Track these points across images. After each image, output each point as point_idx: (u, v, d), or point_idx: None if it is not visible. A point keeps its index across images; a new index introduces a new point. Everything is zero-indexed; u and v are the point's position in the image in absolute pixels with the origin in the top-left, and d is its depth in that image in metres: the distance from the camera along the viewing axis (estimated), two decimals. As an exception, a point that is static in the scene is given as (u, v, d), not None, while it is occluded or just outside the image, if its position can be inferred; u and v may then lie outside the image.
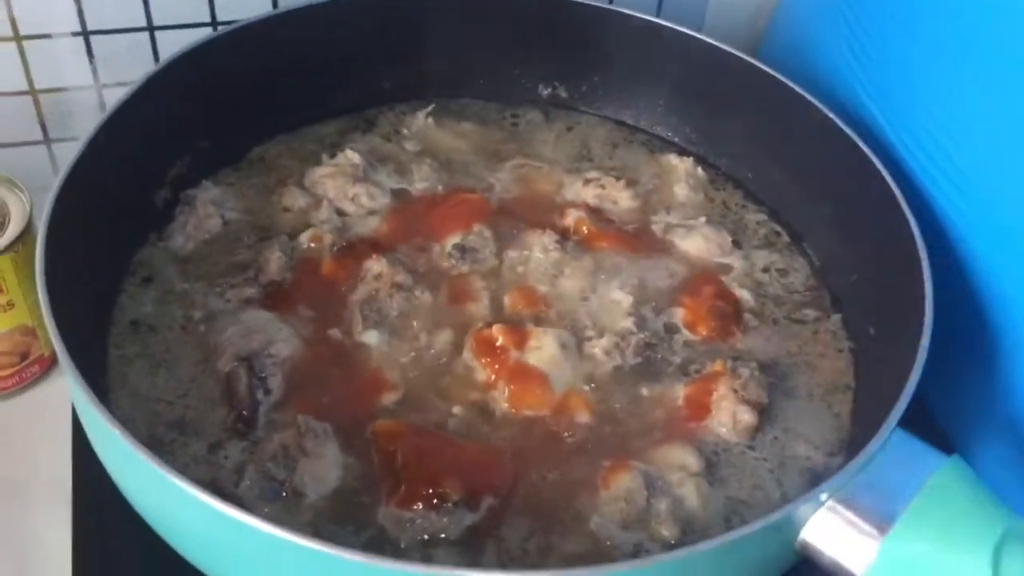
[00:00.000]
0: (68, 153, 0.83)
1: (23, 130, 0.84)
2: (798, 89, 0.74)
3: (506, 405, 0.63)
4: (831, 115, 0.71)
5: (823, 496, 0.51)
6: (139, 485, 0.53)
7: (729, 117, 0.81)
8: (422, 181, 0.77)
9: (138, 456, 0.47)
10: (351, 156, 0.77)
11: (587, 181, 0.78)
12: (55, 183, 0.60)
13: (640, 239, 0.75)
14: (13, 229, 0.69)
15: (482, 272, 0.71)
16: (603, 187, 0.78)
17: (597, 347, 0.66)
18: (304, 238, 0.72)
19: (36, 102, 0.83)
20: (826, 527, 0.51)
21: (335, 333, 0.66)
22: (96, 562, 0.62)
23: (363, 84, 0.82)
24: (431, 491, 0.56)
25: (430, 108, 0.83)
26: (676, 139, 0.84)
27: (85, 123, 0.84)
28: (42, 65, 0.81)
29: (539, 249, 0.72)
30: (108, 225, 0.66)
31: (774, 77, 0.75)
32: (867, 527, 0.50)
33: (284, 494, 0.57)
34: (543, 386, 0.64)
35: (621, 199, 0.78)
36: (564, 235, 0.74)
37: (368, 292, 0.68)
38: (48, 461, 0.70)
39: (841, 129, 0.70)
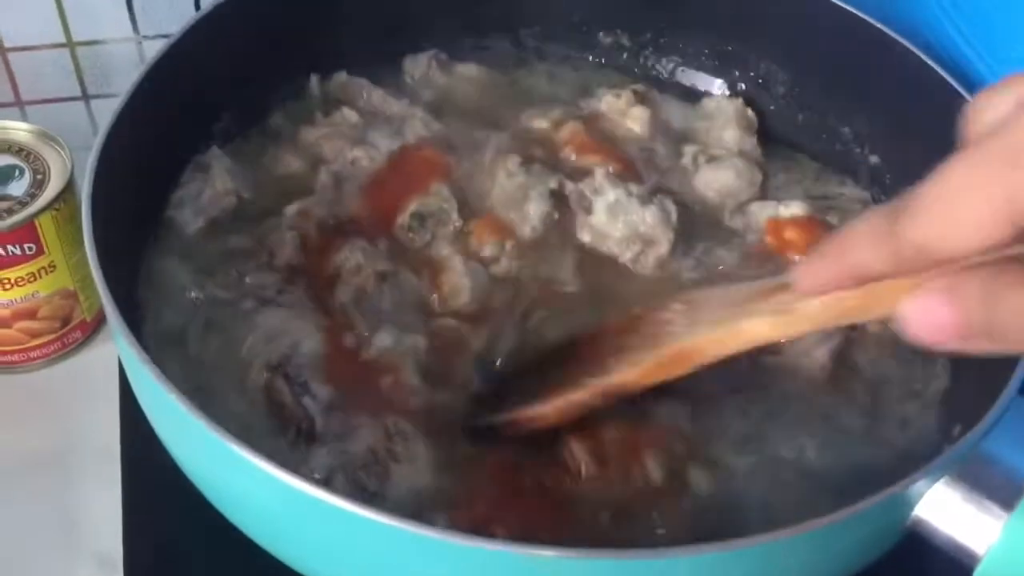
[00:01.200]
0: (107, 110, 0.81)
1: (60, 86, 0.81)
2: (880, 26, 0.68)
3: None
4: (924, 57, 0.65)
5: (940, 470, 0.46)
6: (195, 454, 0.49)
7: (795, 59, 0.75)
8: (415, 137, 0.70)
9: (196, 421, 0.44)
10: (348, 115, 0.71)
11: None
12: (100, 132, 0.56)
13: (644, 164, 0.70)
14: (54, 186, 0.66)
15: (448, 237, 0.64)
16: (618, 96, 0.73)
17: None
18: (291, 213, 0.63)
19: (74, 56, 0.80)
20: (943, 503, 0.46)
21: (349, 338, 0.59)
22: (148, 529, 0.60)
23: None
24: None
25: (431, 52, 0.77)
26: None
27: (124, 78, 0.81)
28: (80, 16, 0.77)
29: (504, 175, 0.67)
30: (150, 181, 0.63)
31: (852, 14, 0.69)
32: (990, 503, 0.46)
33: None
34: None
35: (632, 115, 0.72)
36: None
37: (354, 290, 0.61)
38: (94, 429, 0.67)
39: (935, 72, 0.64)
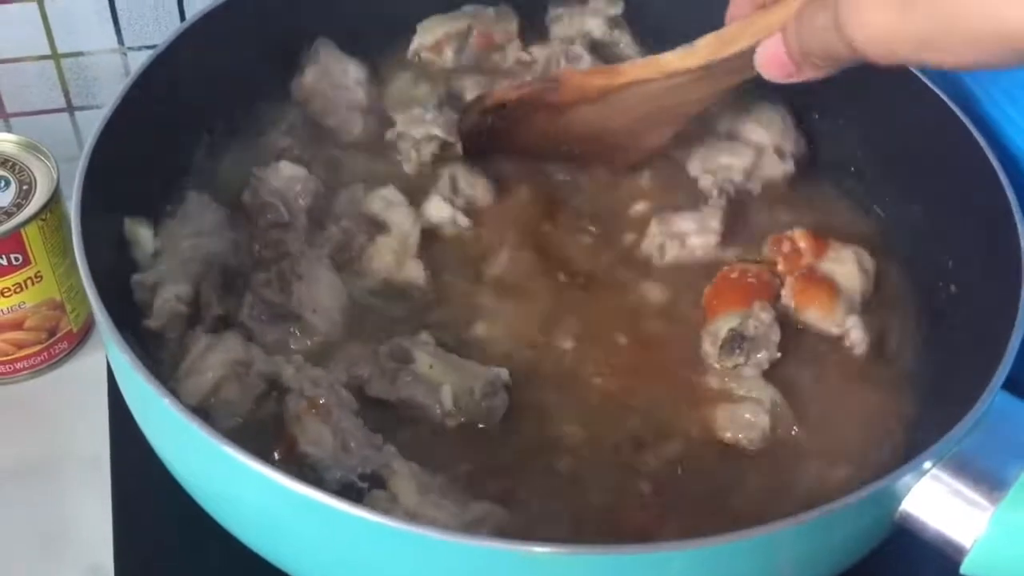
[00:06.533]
0: (91, 121, 0.81)
1: (45, 97, 0.81)
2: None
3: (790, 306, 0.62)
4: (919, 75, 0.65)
5: (927, 464, 0.47)
6: (188, 459, 0.49)
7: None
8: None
9: (192, 427, 0.44)
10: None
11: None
12: (88, 141, 0.56)
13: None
14: (40, 197, 0.66)
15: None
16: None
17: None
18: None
19: (59, 67, 0.80)
20: (930, 497, 0.47)
21: None
22: (138, 539, 0.60)
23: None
24: None
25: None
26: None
27: (109, 89, 0.81)
28: (64, 28, 0.78)
29: None
30: (140, 187, 0.62)
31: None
32: (976, 496, 0.46)
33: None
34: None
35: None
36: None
37: None
38: (81, 440, 0.67)
39: (930, 90, 0.64)
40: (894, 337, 0.63)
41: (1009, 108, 0.64)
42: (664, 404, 0.58)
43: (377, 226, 0.63)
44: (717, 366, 0.59)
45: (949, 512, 0.47)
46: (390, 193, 0.65)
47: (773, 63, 0.52)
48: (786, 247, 0.64)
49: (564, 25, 0.77)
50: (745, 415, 0.57)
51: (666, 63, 0.61)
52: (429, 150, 0.68)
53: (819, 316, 0.62)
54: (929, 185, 0.66)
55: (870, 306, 0.63)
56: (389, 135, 0.69)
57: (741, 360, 0.59)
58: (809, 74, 0.51)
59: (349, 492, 0.51)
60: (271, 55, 0.71)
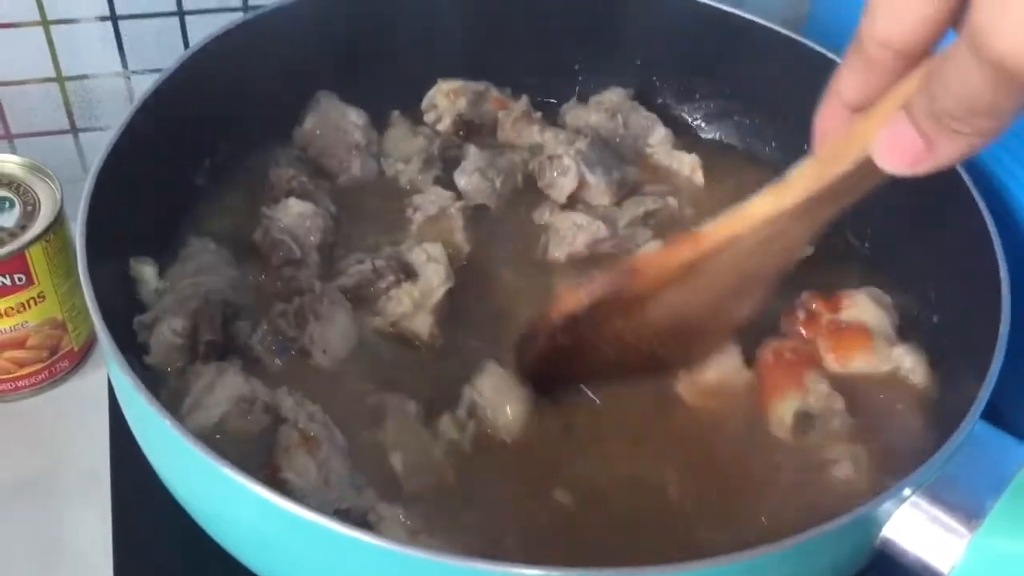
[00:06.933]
0: (95, 143, 0.82)
1: (50, 119, 0.82)
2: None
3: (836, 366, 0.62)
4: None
5: (906, 491, 0.48)
6: (189, 480, 0.51)
7: (766, 97, 0.77)
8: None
9: (193, 450, 0.45)
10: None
11: None
12: (95, 164, 0.58)
13: None
14: (44, 218, 0.67)
15: None
16: None
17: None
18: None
19: (63, 90, 0.81)
20: (910, 523, 0.48)
21: None
22: (138, 556, 0.60)
23: (396, 69, 0.78)
24: None
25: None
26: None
27: (112, 112, 0.83)
28: (69, 51, 0.79)
29: None
30: (145, 209, 0.64)
31: (823, 56, 0.71)
32: (954, 523, 0.48)
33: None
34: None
35: None
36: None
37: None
38: (81, 457, 0.68)
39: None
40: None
41: (1001, 154, 0.65)
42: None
43: (408, 273, 0.65)
44: (807, 445, 0.59)
45: (928, 539, 0.48)
46: (434, 249, 0.66)
47: (898, 147, 0.42)
48: (801, 315, 0.64)
49: (573, 116, 0.79)
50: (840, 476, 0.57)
51: (756, 210, 0.51)
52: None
53: (865, 361, 0.62)
54: (911, 218, 0.67)
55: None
56: (389, 171, 0.71)
57: (818, 438, 0.59)
58: (947, 150, 0.40)
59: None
60: (276, 90, 0.73)
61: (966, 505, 0.48)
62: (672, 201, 0.73)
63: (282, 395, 0.56)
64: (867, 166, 0.44)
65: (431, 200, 0.70)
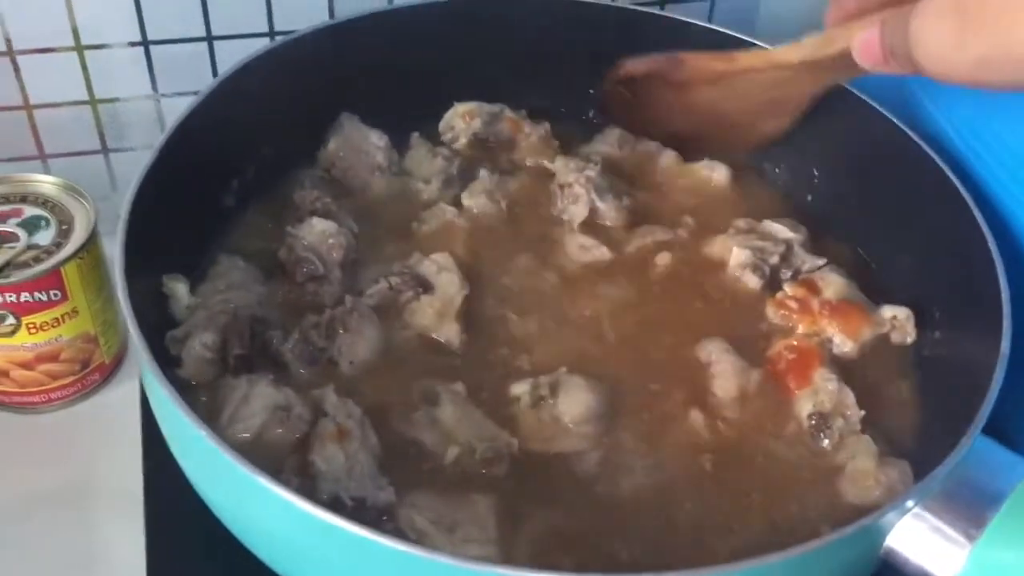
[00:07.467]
0: (125, 163, 0.85)
1: (82, 140, 0.85)
2: (851, 89, 0.73)
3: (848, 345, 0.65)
4: (893, 119, 0.70)
5: (910, 502, 0.50)
6: (228, 492, 0.52)
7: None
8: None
9: (230, 461, 0.47)
10: None
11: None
12: (131, 186, 0.60)
13: None
14: (78, 236, 0.70)
15: None
16: None
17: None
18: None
19: (95, 112, 0.84)
20: (913, 534, 0.50)
21: None
22: (172, 568, 0.61)
23: (424, 91, 0.81)
24: None
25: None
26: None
27: (142, 133, 0.86)
28: (102, 75, 0.82)
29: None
30: (177, 229, 0.66)
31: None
32: (955, 534, 0.50)
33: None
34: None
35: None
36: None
37: None
38: (113, 469, 0.70)
39: (906, 135, 0.69)
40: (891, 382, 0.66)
41: (1000, 172, 0.67)
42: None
43: (424, 286, 0.67)
44: (825, 445, 0.61)
45: (930, 549, 0.50)
46: (442, 259, 0.69)
47: (868, 51, 0.57)
48: (792, 304, 0.67)
49: (586, 145, 0.82)
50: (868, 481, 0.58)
51: (775, 54, 0.69)
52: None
53: (870, 328, 0.66)
54: (915, 235, 0.70)
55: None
56: (410, 190, 0.74)
57: (836, 436, 0.61)
58: (895, 69, 0.56)
59: (337, 506, 0.54)
60: (301, 113, 0.75)
61: (967, 517, 0.50)
62: (682, 233, 0.75)
63: (328, 392, 0.59)
64: (850, 56, 0.59)
65: (435, 215, 0.73)
